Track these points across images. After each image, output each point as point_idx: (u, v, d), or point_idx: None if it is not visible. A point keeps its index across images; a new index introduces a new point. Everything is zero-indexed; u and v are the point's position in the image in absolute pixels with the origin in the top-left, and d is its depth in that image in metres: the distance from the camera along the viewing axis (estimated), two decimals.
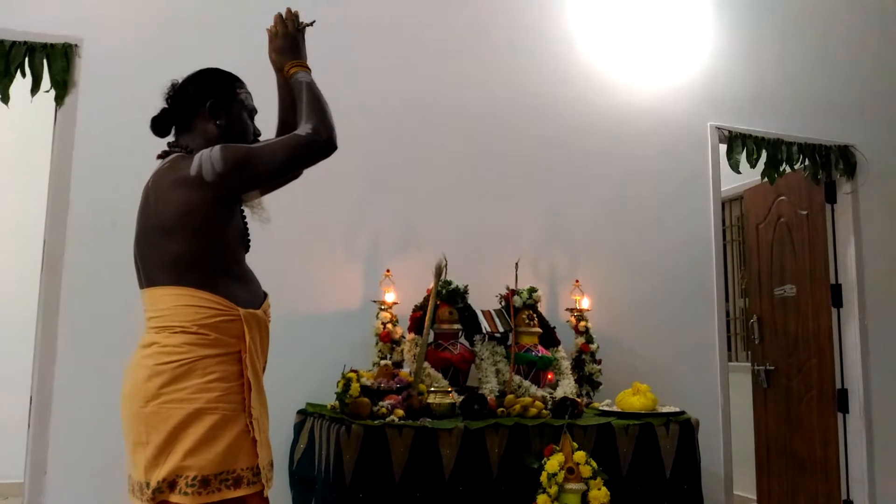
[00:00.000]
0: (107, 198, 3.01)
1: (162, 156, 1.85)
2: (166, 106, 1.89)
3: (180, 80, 1.90)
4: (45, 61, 2.98)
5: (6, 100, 2.93)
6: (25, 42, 2.95)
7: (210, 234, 1.73)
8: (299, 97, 1.85)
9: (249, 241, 1.90)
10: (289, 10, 1.97)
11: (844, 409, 4.21)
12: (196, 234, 1.71)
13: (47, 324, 2.93)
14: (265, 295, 1.87)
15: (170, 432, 1.64)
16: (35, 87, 2.97)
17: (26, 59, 2.95)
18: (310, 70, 1.93)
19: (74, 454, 2.89)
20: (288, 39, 1.95)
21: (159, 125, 1.88)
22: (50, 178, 3.04)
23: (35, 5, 3.04)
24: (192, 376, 1.66)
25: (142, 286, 1.78)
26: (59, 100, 3.02)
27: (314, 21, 2.00)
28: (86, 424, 2.89)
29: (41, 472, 2.86)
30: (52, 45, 2.99)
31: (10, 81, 2.93)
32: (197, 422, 1.64)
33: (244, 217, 1.90)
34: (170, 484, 1.63)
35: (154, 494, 1.62)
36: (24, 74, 2.96)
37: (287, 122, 2.01)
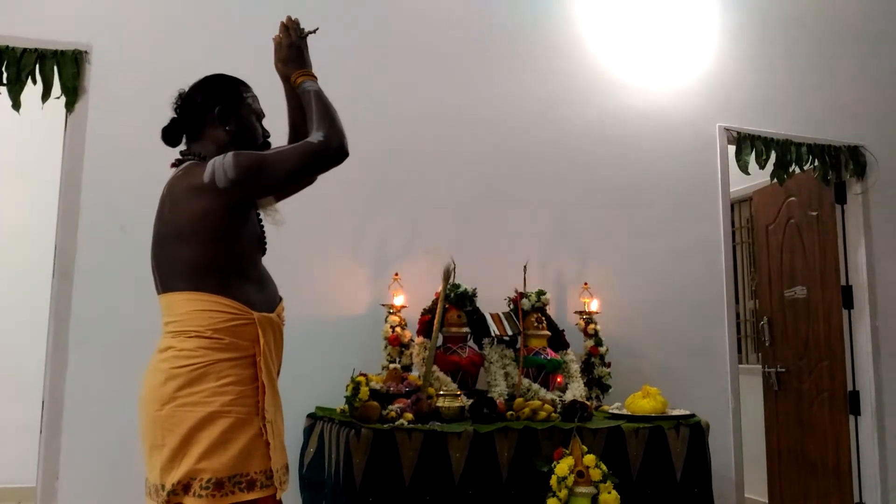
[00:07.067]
0: (117, 203, 3.03)
1: (176, 164, 1.87)
2: (175, 115, 1.90)
3: (187, 89, 1.92)
4: (55, 68, 3.00)
5: (17, 107, 2.95)
6: (36, 49, 2.98)
7: (224, 240, 1.75)
8: (308, 106, 1.86)
9: (266, 244, 1.92)
10: (289, 18, 1.98)
11: (856, 412, 4.19)
12: (210, 240, 1.73)
13: (59, 329, 2.95)
14: (280, 298, 1.88)
15: (185, 435, 1.66)
16: (46, 94, 2.99)
17: (37, 67, 2.97)
18: (316, 78, 1.94)
19: (86, 458, 2.90)
20: (292, 49, 1.96)
21: (170, 134, 1.90)
22: (61, 184, 3.06)
23: (45, 13, 3.06)
24: (207, 380, 1.68)
25: (159, 292, 1.81)
26: (70, 106, 3.04)
27: (317, 28, 2.01)
28: (98, 429, 2.90)
29: (53, 477, 2.87)
30: (62, 51, 3.01)
31: (21, 88, 2.95)
32: (211, 425, 1.66)
33: (260, 221, 1.92)
34: (184, 486, 1.65)
35: (169, 497, 1.65)
36: (34, 81, 2.98)
37: (297, 129, 2.02)
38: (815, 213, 4.44)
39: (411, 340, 3.14)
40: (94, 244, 3.01)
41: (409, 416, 2.66)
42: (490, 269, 3.45)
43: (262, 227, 1.93)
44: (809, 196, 4.47)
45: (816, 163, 4.21)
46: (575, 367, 3.31)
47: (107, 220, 3.03)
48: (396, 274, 3.28)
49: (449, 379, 3.03)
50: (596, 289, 3.59)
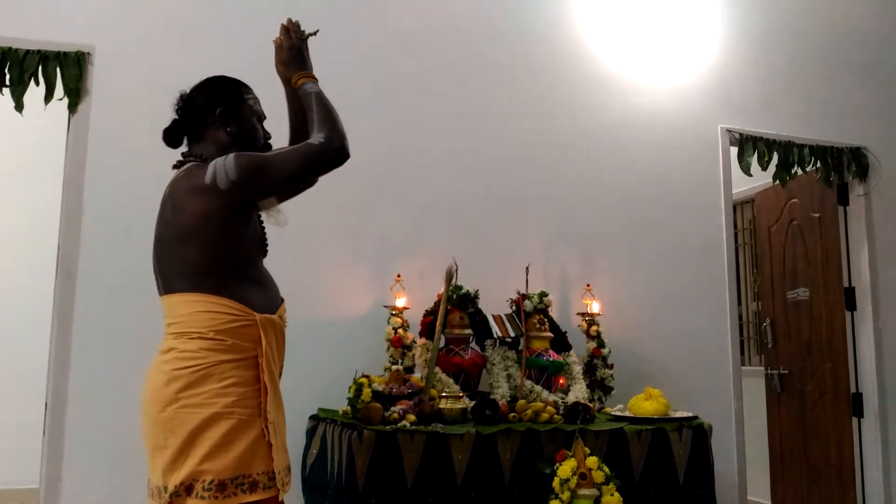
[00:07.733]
0: (120, 204, 3.03)
1: (177, 165, 1.87)
2: (176, 116, 1.91)
3: (188, 90, 1.92)
4: (58, 69, 3.00)
5: (20, 108, 2.95)
6: (39, 51, 2.98)
7: (226, 241, 1.76)
8: (309, 108, 1.87)
9: (267, 245, 1.93)
10: (290, 21, 1.99)
11: (859, 414, 4.18)
12: (211, 241, 1.74)
13: (62, 330, 2.95)
14: (282, 300, 1.89)
15: (187, 436, 1.66)
16: (48, 96, 2.99)
17: (40, 68, 2.97)
18: (316, 80, 1.95)
19: (89, 460, 2.90)
20: (293, 51, 1.97)
21: (171, 136, 1.91)
22: (63, 185, 3.07)
23: (48, 14, 3.07)
24: (209, 381, 1.69)
25: (161, 293, 1.81)
26: (72, 107, 3.04)
27: (317, 31, 2.02)
28: (101, 430, 2.90)
29: (56, 478, 2.87)
30: (64, 53, 3.01)
31: (24, 90, 2.96)
32: (214, 426, 1.66)
33: (261, 222, 1.93)
34: (187, 488, 1.65)
35: (171, 498, 1.65)
36: (37, 83, 2.98)
37: (298, 130, 2.03)
38: (817, 215, 4.44)
39: (413, 342, 3.14)
40: (96, 244, 3.01)
41: (412, 417, 2.66)
42: (492, 271, 3.45)
43: (264, 228, 1.93)
44: (812, 198, 4.47)
45: (818, 164, 4.21)
46: (577, 369, 3.31)
47: (109, 221, 3.03)
48: (399, 275, 3.28)
49: (451, 380, 3.03)
50: (598, 290, 3.58)
